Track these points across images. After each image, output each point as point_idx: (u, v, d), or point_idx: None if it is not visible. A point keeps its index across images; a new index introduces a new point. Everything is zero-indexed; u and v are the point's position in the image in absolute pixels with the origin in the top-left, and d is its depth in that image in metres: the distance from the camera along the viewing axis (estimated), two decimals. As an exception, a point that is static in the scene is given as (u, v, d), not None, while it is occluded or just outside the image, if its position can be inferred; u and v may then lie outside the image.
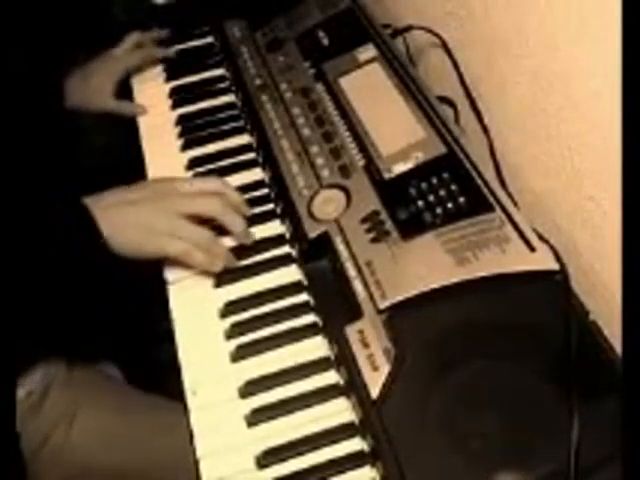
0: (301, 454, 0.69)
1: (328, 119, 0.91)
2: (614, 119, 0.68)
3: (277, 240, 0.87)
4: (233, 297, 0.82)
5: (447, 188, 0.78)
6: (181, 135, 1.02)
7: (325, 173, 0.86)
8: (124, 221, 0.77)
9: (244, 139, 1.00)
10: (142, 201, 0.79)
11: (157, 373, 0.91)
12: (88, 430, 0.86)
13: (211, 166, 0.97)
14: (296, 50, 1.03)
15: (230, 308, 0.81)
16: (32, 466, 0.82)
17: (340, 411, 0.71)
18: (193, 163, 0.97)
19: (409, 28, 1.05)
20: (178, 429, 0.75)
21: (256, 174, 0.95)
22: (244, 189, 0.92)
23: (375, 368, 0.68)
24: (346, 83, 0.94)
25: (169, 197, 0.80)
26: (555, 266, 0.71)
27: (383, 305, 0.71)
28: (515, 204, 0.78)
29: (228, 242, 0.85)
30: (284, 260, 0.85)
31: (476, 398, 0.65)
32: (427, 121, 0.86)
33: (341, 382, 0.73)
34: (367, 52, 0.96)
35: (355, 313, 0.73)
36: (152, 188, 0.82)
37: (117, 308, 0.93)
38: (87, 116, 1.10)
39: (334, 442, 0.69)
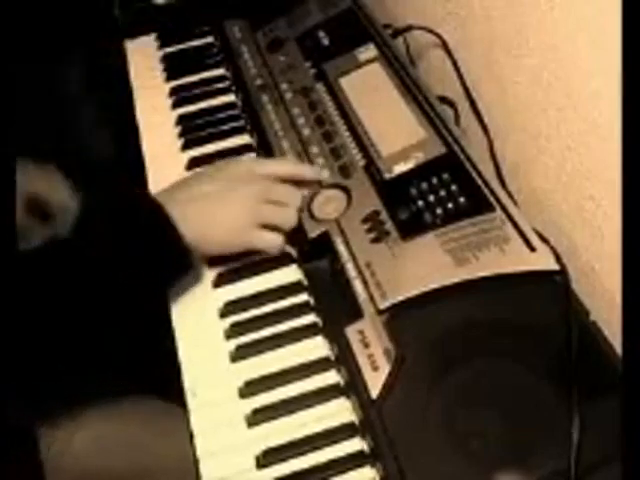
0: (301, 454, 0.69)
1: (328, 119, 0.91)
2: (614, 119, 0.68)
3: (277, 240, 0.87)
4: (233, 297, 0.82)
5: (447, 188, 0.78)
6: (181, 135, 1.02)
7: (325, 173, 0.86)
8: (209, 220, 0.74)
9: (244, 139, 1.00)
10: (220, 194, 0.75)
11: (157, 376, 0.91)
12: (90, 436, 0.86)
13: (211, 166, 0.97)
14: (296, 50, 1.03)
15: (230, 308, 0.81)
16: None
17: (340, 411, 0.71)
18: (193, 163, 0.97)
19: (409, 28, 1.05)
20: (179, 431, 0.75)
21: (256, 174, 0.95)
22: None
23: (375, 368, 0.68)
24: (346, 83, 0.94)
25: (248, 184, 0.76)
26: (555, 266, 0.71)
27: (383, 305, 0.71)
28: (515, 204, 0.78)
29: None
30: (284, 260, 0.84)
31: (476, 398, 0.65)
32: (427, 121, 0.86)
33: (341, 382, 0.73)
34: (367, 52, 0.97)
35: (355, 313, 0.73)
36: (226, 175, 0.78)
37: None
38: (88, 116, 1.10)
39: (334, 442, 0.69)
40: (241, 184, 0.76)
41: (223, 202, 0.75)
